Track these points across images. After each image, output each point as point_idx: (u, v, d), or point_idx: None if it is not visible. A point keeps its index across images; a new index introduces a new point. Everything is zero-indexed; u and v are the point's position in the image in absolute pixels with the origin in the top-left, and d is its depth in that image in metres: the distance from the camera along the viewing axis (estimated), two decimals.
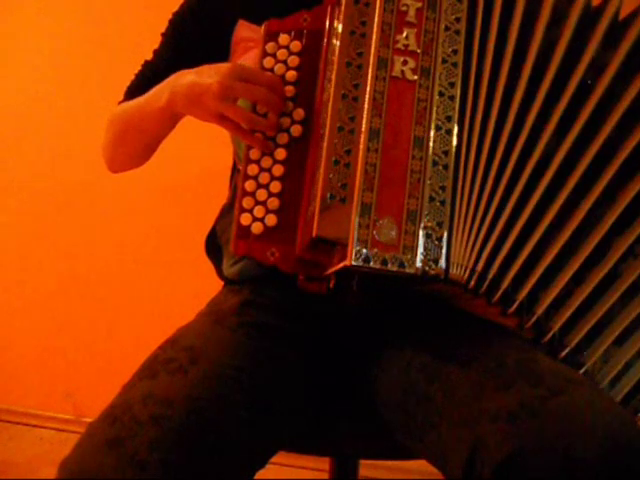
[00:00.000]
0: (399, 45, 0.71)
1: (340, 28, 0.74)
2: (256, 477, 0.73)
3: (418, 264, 0.68)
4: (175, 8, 1.01)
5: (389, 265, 0.67)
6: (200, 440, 0.64)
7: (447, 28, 0.73)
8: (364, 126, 0.69)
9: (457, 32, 0.73)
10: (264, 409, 0.73)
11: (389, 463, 1.42)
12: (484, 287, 0.70)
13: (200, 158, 1.47)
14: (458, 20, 0.73)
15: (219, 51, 0.93)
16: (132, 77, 1.03)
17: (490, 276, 0.70)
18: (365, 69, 0.72)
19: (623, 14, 0.77)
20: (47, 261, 1.94)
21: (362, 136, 0.69)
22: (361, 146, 0.69)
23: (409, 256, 0.68)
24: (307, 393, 0.81)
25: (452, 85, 0.72)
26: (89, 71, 1.85)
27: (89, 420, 0.69)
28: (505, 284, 0.70)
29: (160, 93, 0.84)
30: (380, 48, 0.71)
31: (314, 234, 0.70)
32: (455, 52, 0.72)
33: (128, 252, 1.84)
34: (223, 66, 0.77)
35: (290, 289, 0.78)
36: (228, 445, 0.67)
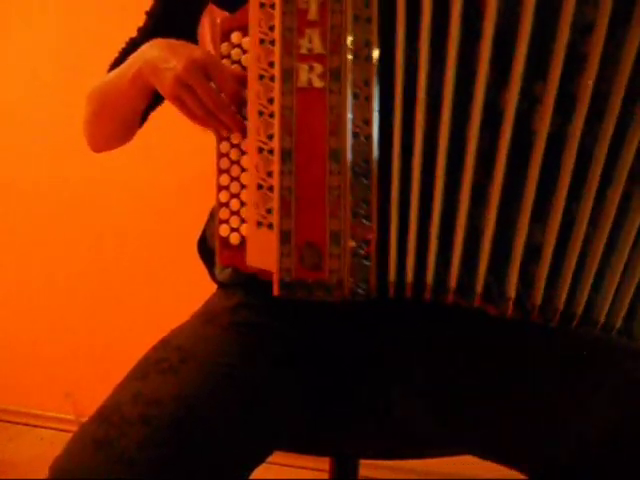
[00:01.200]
0: (303, 50, 0.65)
1: (248, 37, 0.69)
2: (256, 477, 0.75)
3: (346, 286, 0.65)
4: None
5: (315, 292, 0.65)
6: (190, 438, 0.64)
7: (356, 17, 0.64)
8: (276, 147, 0.66)
9: (368, 20, 0.64)
10: (257, 407, 0.73)
11: (389, 463, 1.38)
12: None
13: (198, 159, 1.45)
14: (368, 5, 0.64)
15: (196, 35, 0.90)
16: None
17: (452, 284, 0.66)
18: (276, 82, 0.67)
19: None
20: (47, 262, 1.92)
21: (275, 158, 0.66)
22: (275, 169, 0.66)
23: (335, 279, 0.65)
24: (304, 394, 0.81)
25: (367, 83, 0.64)
26: (90, 70, 1.78)
27: None
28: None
29: (133, 62, 0.83)
30: (283, 58, 0.65)
31: (247, 264, 0.70)
32: (367, 44, 0.65)
33: (128, 253, 1.81)
34: (197, 52, 0.75)
35: None
36: (219, 442, 0.68)
